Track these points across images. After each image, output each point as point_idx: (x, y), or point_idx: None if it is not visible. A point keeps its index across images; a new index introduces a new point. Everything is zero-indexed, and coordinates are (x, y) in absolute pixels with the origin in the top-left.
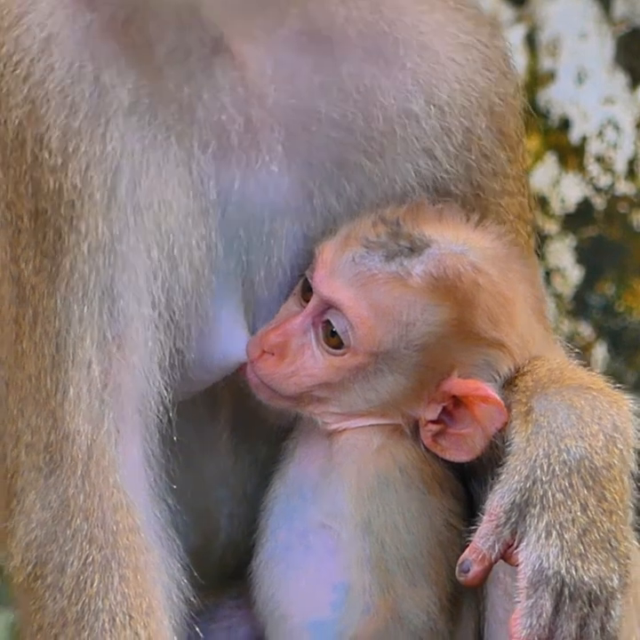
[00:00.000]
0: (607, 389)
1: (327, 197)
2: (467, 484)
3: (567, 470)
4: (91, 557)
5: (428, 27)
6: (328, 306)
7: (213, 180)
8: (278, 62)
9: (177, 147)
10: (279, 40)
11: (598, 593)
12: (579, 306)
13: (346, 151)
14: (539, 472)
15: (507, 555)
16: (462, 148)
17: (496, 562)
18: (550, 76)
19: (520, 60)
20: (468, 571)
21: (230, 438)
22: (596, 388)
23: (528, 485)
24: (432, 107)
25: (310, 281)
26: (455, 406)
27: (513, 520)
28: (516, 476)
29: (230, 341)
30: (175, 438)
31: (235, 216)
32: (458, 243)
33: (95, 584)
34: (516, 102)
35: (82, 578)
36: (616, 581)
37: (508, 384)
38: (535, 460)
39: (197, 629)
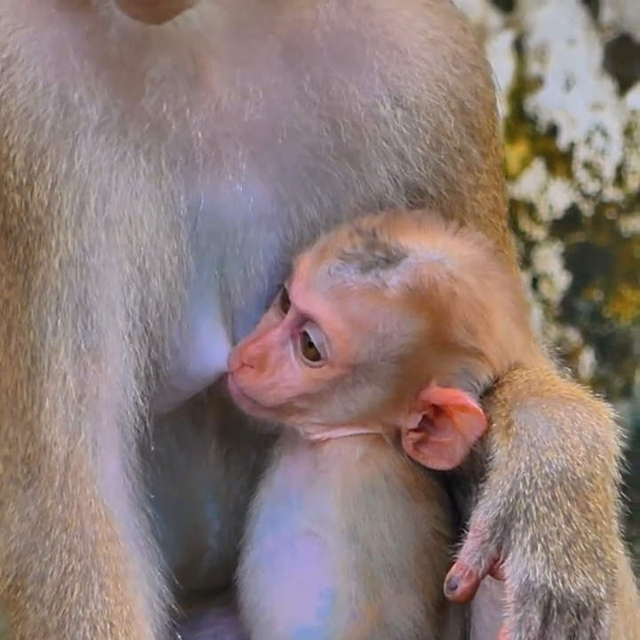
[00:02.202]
0: (587, 399)
1: (301, 205)
2: (451, 494)
3: (550, 483)
4: (70, 567)
5: (396, 24)
6: (305, 318)
7: (183, 195)
8: (246, 83)
9: (146, 163)
10: (248, 60)
11: (586, 604)
12: (566, 312)
13: (316, 159)
14: (521, 486)
15: (493, 569)
16: (431, 149)
17: (483, 577)
18: (538, 82)
19: (508, 66)
20: (456, 587)
21: (219, 448)
22: (575, 398)
23: (511, 500)
24: (399, 109)
25: (288, 293)
26: (436, 415)
27: (498, 535)
28: (499, 491)
29: (209, 352)
30: (159, 449)
31: (205, 229)
32: (435, 251)
33: (75, 593)
34: (488, 96)
35: (62, 588)
36: (603, 591)
37: (488, 395)
38: (517, 474)
39: (180, 637)
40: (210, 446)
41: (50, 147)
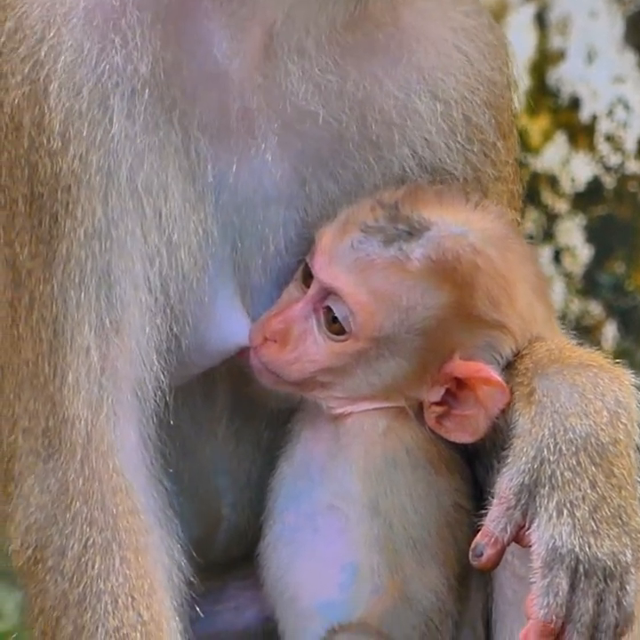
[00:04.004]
0: (607, 365)
1: (322, 183)
2: (472, 469)
3: (574, 448)
4: (91, 540)
5: (435, 12)
6: (328, 292)
7: (211, 163)
8: (295, 61)
9: (178, 127)
10: (303, 41)
11: (613, 568)
12: (589, 285)
13: (340, 145)
14: (546, 452)
15: (519, 536)
16: (465, 142)
17: (508, 544)
18: (560, 55)
19: (530, 39)
20: (482, 555)
21: (230, 423)
22: (596, 364)
23: (536, 466)
24: (437, 103)
25: (310, 266)
26: (458, 388)
27: (523, 501)
28: (524, 458)
29: (227, 326)
30: (171, 422)
31: (228, 202)
32: (457, 224)
33: (96, 566)
34: (511, 90)
35: (83, 560)
36: (629, 556)
37: (508, 367)
38: (541, 441)
39: (198, 609)
40: (220, 422)
41: (88, 111)
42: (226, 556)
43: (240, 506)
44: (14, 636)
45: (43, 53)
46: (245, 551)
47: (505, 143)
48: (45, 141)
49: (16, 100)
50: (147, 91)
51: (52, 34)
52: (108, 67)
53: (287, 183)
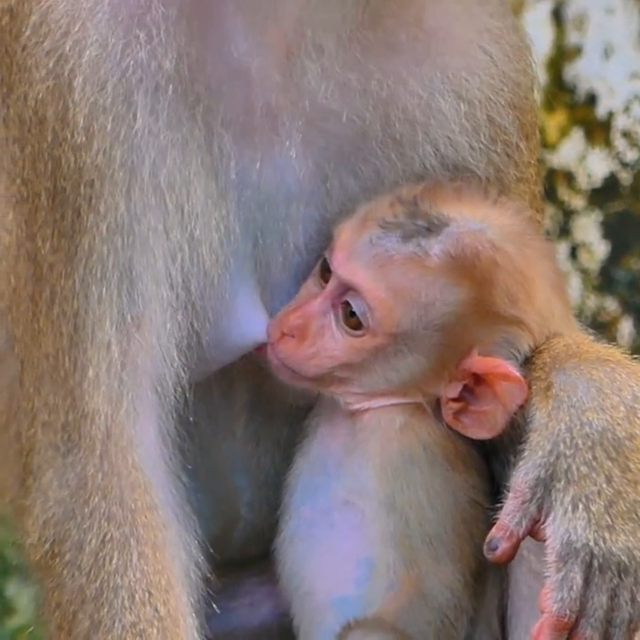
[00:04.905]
0: (624, 361)
1: (342, 179)
2: (489, 465)
3: (590, 443)
4: (109, 535)
5: (460, 12)
6: (347, 287)
7: (234, 160)
8: (314, 59)
9: (201, 123)
10: (321, 39)
11: (627, 563)
12: (605, 281)
13: (363, 142)
14: (562, 446)
15: (534, 530)
16: (488, 142)
17: (524, 538)
18: (577, 51)
19: (547, 35)
20: (497, 548)
21: (249, 422)
22: (613, 360)
23: (552, 460)
24: (461, 103)
25: (329, 262)
26: (476, 384)
27: (539, 495)
28: (540, 452)
29: (247, 322)
30: (191, 418)
31: (251, 199)
32: (476, 220)
33: (114, 561)
34: (534, 92)
35: (100, 555)
36: None
37: (526, 362)
38: (558, 435)
39: (214, 606)
40: (239, 420)
41: (112, 106)
42: (243, 555)
43: (258, 505)
44: (30, 630)
45: (67, 48)
46: (263, 549)
47: (528, 144)
48: (69, 136)
49: (40, 94)
50: (170, 87)
51: (77, 28)
52: (132, 62)
53: (309, 180)
